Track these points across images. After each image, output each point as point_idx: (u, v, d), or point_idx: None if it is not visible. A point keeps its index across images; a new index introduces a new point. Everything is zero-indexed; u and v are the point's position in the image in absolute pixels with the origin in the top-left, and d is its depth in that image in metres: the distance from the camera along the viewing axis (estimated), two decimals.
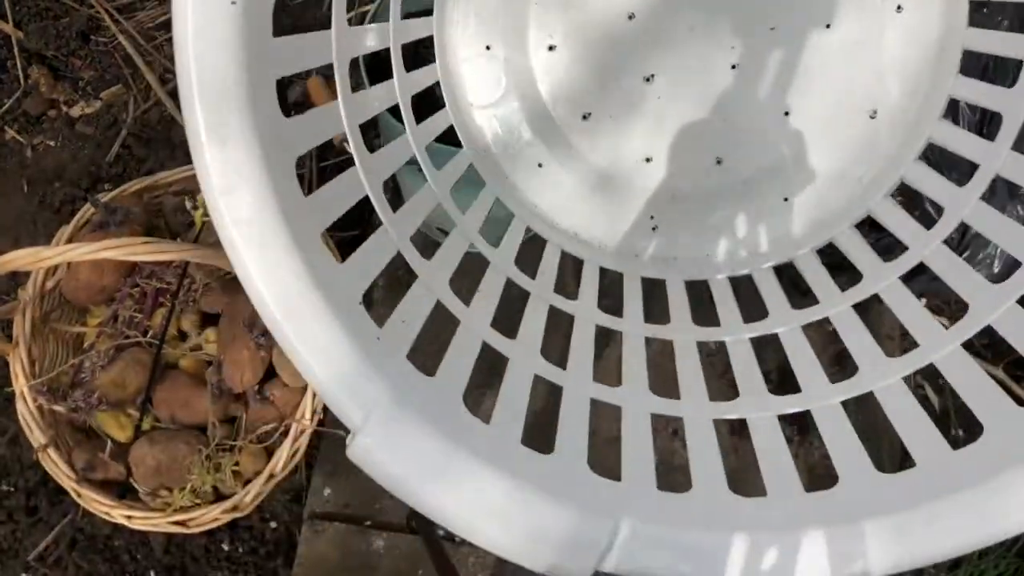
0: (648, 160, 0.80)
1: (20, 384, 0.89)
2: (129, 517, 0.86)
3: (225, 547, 0.96)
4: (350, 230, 1.06)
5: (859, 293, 0.68)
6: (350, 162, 1.13)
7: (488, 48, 0.80)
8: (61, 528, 0.99)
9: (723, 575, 0.44)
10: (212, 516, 0.86)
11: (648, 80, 0.78)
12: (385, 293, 1.00)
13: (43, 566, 0.98)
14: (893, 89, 0.75)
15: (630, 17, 0.77)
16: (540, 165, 0.82)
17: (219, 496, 0.90)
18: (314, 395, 0.87)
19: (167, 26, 1.22)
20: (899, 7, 0.74)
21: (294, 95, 1.16)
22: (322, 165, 1.11)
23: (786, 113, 0.77)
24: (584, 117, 0.80)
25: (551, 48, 0.79)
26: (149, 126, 1.15)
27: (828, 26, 0.75)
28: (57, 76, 1.22)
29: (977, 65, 0.78)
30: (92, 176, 1.14)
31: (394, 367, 0.51)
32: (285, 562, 0.95)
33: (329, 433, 0.95)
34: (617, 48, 0.78)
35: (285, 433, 0.88)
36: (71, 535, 0.99)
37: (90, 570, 0.97)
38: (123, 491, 0.90)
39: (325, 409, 0.94)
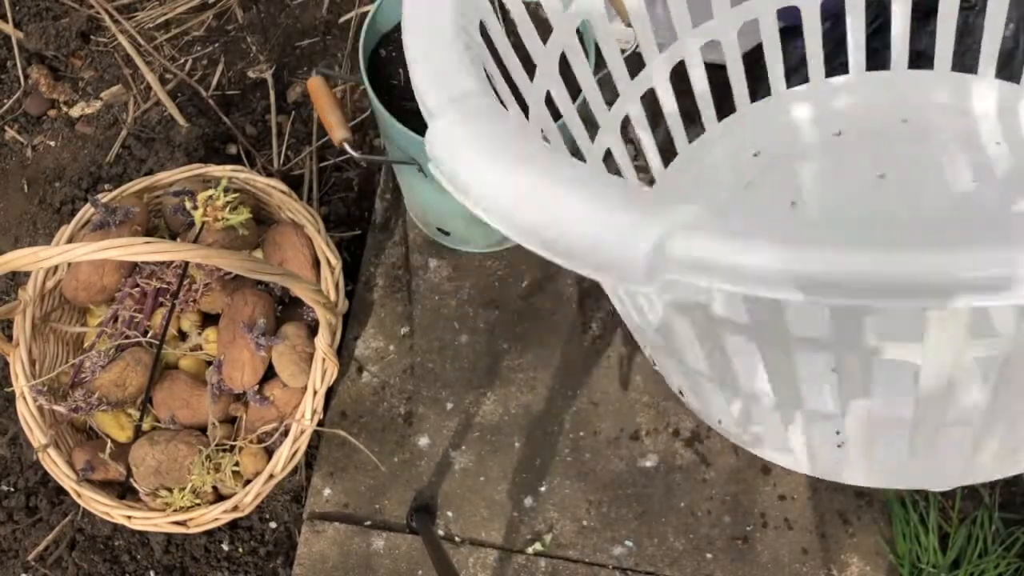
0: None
1: (20, 384, 0.89)
2: (129, 517, 0.86)
3: (225, 547, 0.96)
4: (351, 230, 1.06)
5: None
6: (349, 162, 1.14)
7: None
8: (61, 528, 0.99)
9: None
10: (212, 516, 0.86)
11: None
12: (385, 293, 1.00)
13: (43, 566, 0.98)
14: None
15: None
16: None
17: (219, 496, 0.90)
18: (314, 395, 0.87)
19: (167, 26, 1.22)
20: None
21: (294, 95, 1.16)
22: (322, 165, 1.11)
23: None
24: None
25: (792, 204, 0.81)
26: (149, 126, 1.15)
27: None
28: (57, 76, 1.22)
29: None
30: (92, 176, 1.14)
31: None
32: (285, 562, 0.95)
33: (329, 433, 0.95)
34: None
35: (285, 433, 0.88)
36: (71, 535, 0.99)
37: (90, 570, 0.97)
38: (123, 491, 0.90)
39: (325, 409, 0.94)
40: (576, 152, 0.77)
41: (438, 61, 0.48)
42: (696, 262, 0.37)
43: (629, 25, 0.80)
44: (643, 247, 0.37)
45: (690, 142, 0.86)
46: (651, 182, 0.86)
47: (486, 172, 0.43)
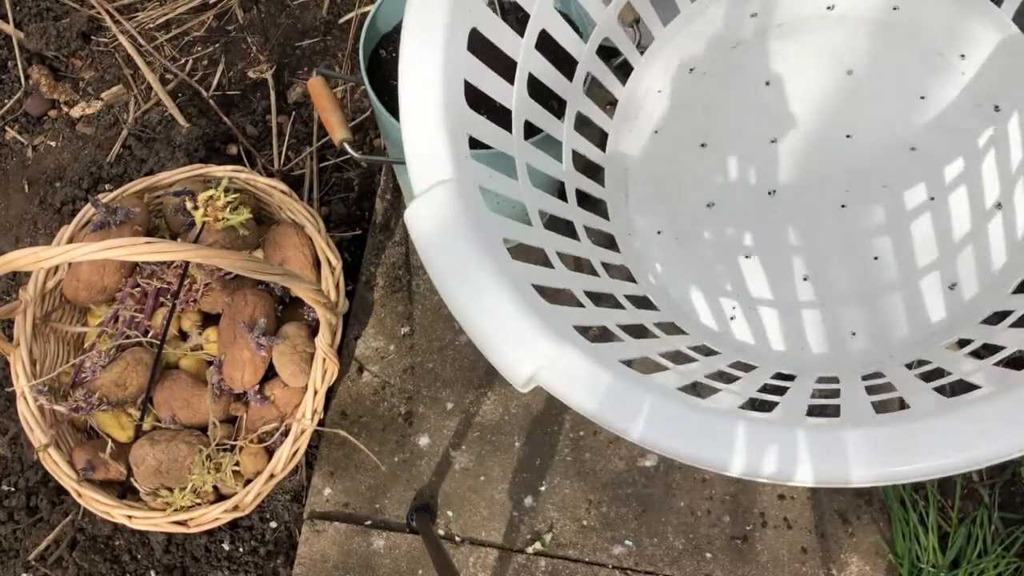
0: (747, 257, 0.85)
1: (21, 384, 0.89)
2: (130, 517, 0.86)
3: (225, 547, 0.96)
4: (351, 230, 1.06)
5: None
6: (350, 162, 1.14)
7: None
8: (62, 528, 0.99)
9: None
10: (212, 516, 0.86)
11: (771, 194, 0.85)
12: (385, 293, 1.00)
13: (44, 566, 0.98)
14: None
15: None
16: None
17: (219, 496, 0.90)
18: (315, 394, 0.87)
19: (167, 26, 1.22)
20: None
21: (295, 95, 1.16)
22: (322, 165, 1.11)
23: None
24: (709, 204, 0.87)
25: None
26: (150, 126, 1.16)
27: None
28: (58, 76, 1.22)
29: None
30: (93, 176, 1.14)
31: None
32: (285, 562, 0.95)
33: (329, 433, 0.95)
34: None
35: (285, 433, 0.88)
36: (72, 535, 0.99)
37: (91, 570, 0.97)
38: (124, 491, 0.90)
39: (325, 409, 0.94)
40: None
41: (426, 144, 0.60)
42: (553, 390, 0.56)
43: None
44: (523, 374, 0.55)
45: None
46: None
47: (437, 262, 0.59)
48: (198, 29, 1.22)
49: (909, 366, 0.76)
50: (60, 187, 1.15)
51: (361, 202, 1.09)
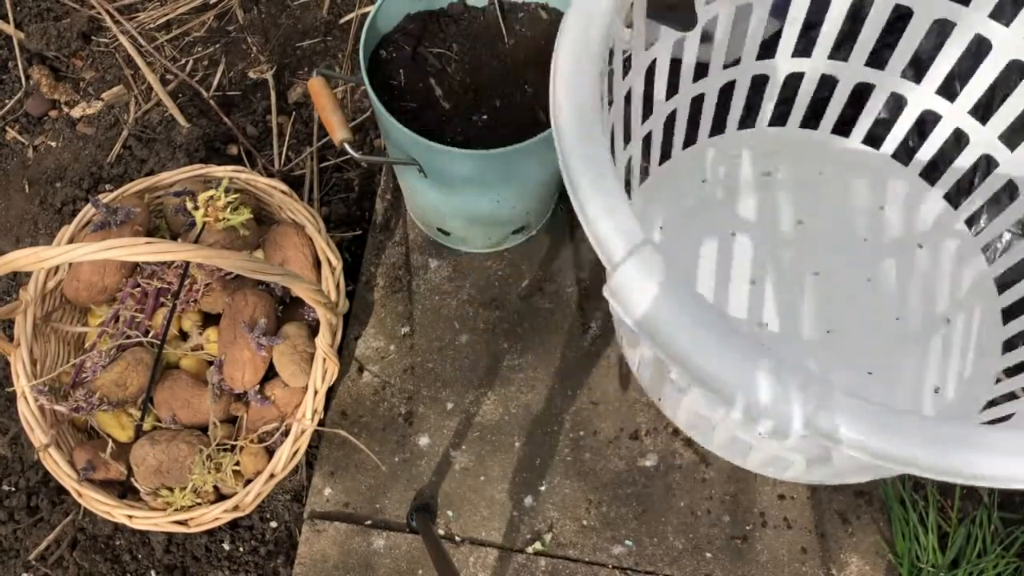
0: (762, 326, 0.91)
1: (22, 384, 0.89)
2: (130, 517, 0.86)
3: (226, 546, 0.96)
4: (351, 230, 1.06)
5: None
6: (350, 163, 1.14)
7: None
8: (62, 528, 0.99)
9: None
10: (213, 516, 0.86)
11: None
12: (385, 293, 1.00)
13: (44, 565, 0.98)
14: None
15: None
16: None
17: (220, 496, 0.90)
18: (315, 394, 0.87)
19: (168, 27, 1.22)
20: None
21: (295, 95, 1.16)
22: (322, 165, 1.11)
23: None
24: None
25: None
26: (150, 127, 1.16)
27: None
28: (58, 77, 1.22)
29: None
30: (93, 176, 1.14)
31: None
32: (285, 562, 0.95)
33: (329, 433, 0.95)
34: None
35: (286, 433, 0.88)
36: (72, 535, 0.99)
37: (91, 570, 0.97)
38: (124, 491, 0.90)
39: (325, 409, 0.94)
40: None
41: (615, 217, 0.58)
42: (829, 435, 0.50)
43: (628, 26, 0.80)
44: (796, 422, 0.50)
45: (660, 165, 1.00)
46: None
47: (667, 321, 0.54)
48: (198, 29, 1.22)
49: None
50: (60, 187, 1.15)
51: (361, 202, 1.09)
